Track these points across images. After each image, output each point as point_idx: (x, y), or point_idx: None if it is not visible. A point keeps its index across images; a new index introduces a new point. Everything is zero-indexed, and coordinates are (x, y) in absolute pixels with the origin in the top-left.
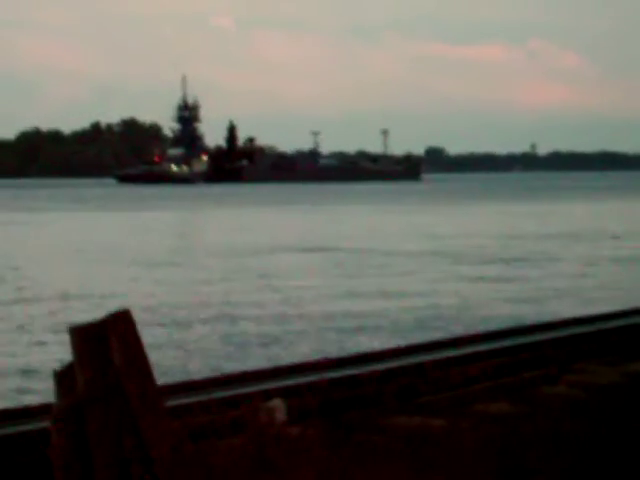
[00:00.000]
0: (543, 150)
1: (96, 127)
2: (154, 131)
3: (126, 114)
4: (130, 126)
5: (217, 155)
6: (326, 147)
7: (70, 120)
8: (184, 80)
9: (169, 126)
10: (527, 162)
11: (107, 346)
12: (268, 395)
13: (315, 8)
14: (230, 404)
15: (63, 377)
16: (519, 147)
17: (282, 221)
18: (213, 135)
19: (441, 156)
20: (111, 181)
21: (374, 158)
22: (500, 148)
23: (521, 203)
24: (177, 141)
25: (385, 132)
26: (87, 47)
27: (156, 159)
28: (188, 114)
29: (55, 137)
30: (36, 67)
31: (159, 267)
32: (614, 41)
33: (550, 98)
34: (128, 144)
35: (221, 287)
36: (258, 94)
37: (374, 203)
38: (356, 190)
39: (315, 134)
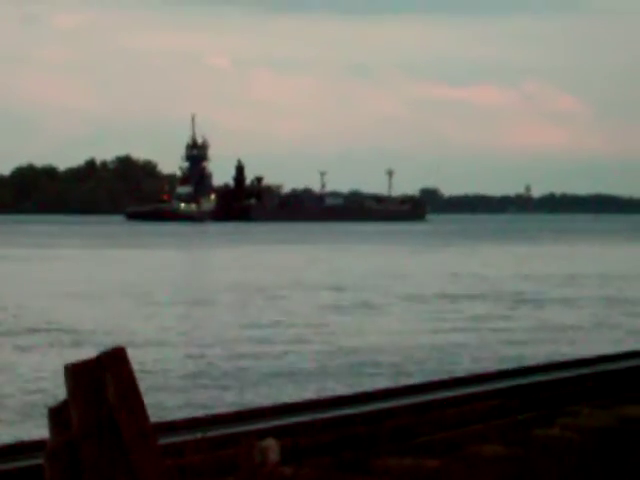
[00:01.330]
0: (537, 192)
1: (91, 164)
2: (149, 168)
3: (121, 151)
4: (124, 163)
5: (225, 194)
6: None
7: (65, 156)
8: (193, 119)
9: (178, 165)
10: (521, 204)
11: (102, 383)
12: (262, 434)
13: (315, 47)
14: (223, 443)
15: (57, 414)
16: (513, 189)
17: (298, 259)
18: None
19: (435, 197)
20: (120, 218)
21: (379, 198)
22: (494, 190)
23: (540, 244)
24: (185, 179)
25: (390, 172)
26: (83, 83)
27: (165, 197)
28: (197, 153)
29: (50, 173)
30: (32, 103)
31: (162, 304)
32: (609, 83)
33: (545, 140)
34: (122, 181)
35: (225, 323)
36: (257, 134)
37: (387, 243)
38: (366, 230)
39: (322, 174)
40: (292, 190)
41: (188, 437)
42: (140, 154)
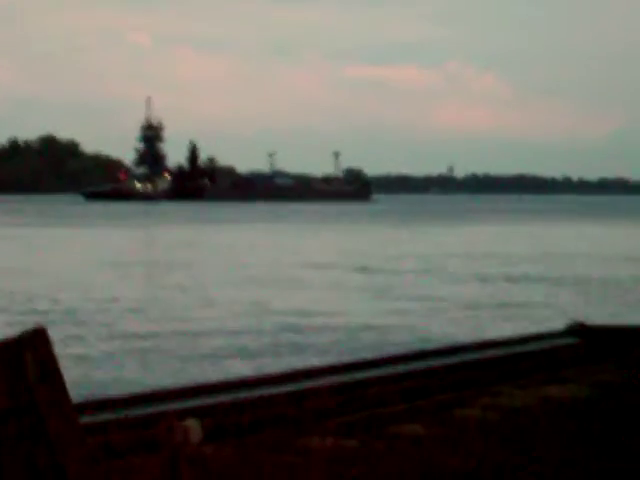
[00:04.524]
0: (460, 173)
1: (14, 143)
2: (72, 148)
3: (43, 131)
4: (48, 143)
5: (179, 174)
6: (244, 165)
7: None
8: (148, 101)
9: (132, 145)
10: (443, 184)
11: (22, 363)
12: (184, 414)
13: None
14: (146, 423)
15: None
16: (436, 169)
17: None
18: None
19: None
20: (78, 198)
21: (327, 179)
22: (416, 170)
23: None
24: (141, 160)
25: (337, 154)
26: (3, 63)
27: (121, 177)
28: (151, 134)
29: None
30: None
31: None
32: (530, 63)
33: (467, 121)
34: (45, 161)
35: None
36: (178, 111)
37: (351, 223)
38: (323, 210)
39: (271, 155)
40: (250, 172)
41: (111, 416)
42: (63, 134)
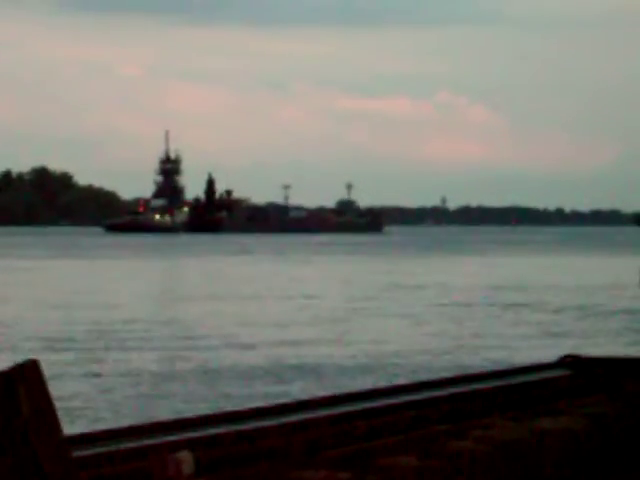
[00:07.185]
0: (453, 204)
1: (7, 175)
2: (65, 180)
3: (36, 163)
4: (40, 174)
5: (197, 206)
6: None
7: None
8: (167, 135)
9: (152, 178)
10: (437, 216)
11: (14, 396)
12: (176, 447)
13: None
14: (137, 455)
15: None
16: (429, 201)
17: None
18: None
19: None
20: (99, 230)
21: (339, 211)
22: (409, 202)
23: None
24: (159, 192)
25: (349, 186)
26: None
27: (140, 209)
28: (170, 167)
29: None
30: None
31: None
32: (523, 95)
33: (459, 152)
34: (39, 193)
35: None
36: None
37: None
38: (338, 242)
39: (286, 187)
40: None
41: (104, 449)
42: (56, 165)
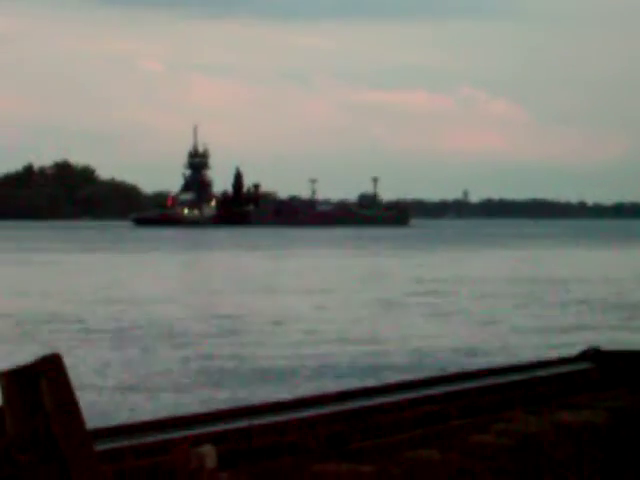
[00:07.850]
0: (475, 197)
1: (29, 169)
2: (87, 174)
3: (58, 156)
4: (62, 168)
5: (225, 200)
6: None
7: (1, 163)
8: (195, 129)
9: (176, 172)
10: (458, 209)
11: (37, 390)
12: (199, 440)
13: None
14: (160, 449)
15: None
16: (451, 194)
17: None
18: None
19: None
20: (127, 223)
21: (364, 205)
22: (431, 195)
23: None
24: (187, 186)
25: (375, 180)
26: (18, 89)
27: (169, 203)
28: (198, 161)
29: None
30: None
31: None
32: (544, 88)
33: (481, 145)
34: (61, 186)
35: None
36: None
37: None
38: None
39: (312, 181)
40: (289, 197)
41: (127, 443)
42: (77, 159)
